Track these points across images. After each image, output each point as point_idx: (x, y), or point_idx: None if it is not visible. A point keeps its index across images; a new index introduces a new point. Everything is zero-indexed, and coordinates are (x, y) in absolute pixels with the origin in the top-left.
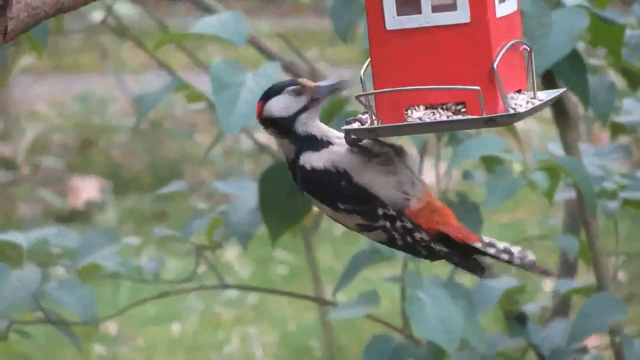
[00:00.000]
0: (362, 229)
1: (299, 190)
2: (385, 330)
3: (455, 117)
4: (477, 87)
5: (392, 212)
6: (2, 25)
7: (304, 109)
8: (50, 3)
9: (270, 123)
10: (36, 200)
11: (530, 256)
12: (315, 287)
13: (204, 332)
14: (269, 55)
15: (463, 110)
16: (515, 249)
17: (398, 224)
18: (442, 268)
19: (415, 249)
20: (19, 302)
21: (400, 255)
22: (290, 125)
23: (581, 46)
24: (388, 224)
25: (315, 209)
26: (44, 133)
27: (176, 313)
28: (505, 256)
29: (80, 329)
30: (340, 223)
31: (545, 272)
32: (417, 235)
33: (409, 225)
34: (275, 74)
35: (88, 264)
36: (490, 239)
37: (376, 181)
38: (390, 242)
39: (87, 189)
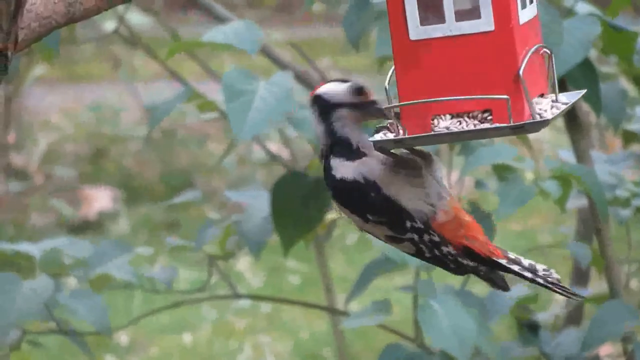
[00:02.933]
0: (391, 240)
1: (329, 193)
2: (397, 339)
3: (482, 126)
4: (506, 96)
5: (419, 225)
6: (14, 34)
7: (347, 105)
8: (61, 12)
9: (316, 100)
10: (49, 210)
11: (554, 274)
12: (327, 296)
13: (217, 341)
14: (281, 64)
15: (489, 117)
16: (540, 267)
17: (426, 237)
18: (454, 277)
19: (444, 262)
20: (31, 312)
21: (413, 264)
22: (328, 112)
23: (593, 54)
24: (416, 237)
25: (327, 217)
26: (56, 143)
27: (189, 322)
28: (529, 274)
29: (93, 339)
30: (370, 234)
31: (568, 292)
32: (445, 249)
33: (436, 238)
34: (287, 82)
35: (100, 274)
36: (516, 256)
37: (404, 193)
38: (419, 255)
39: (100, 198)
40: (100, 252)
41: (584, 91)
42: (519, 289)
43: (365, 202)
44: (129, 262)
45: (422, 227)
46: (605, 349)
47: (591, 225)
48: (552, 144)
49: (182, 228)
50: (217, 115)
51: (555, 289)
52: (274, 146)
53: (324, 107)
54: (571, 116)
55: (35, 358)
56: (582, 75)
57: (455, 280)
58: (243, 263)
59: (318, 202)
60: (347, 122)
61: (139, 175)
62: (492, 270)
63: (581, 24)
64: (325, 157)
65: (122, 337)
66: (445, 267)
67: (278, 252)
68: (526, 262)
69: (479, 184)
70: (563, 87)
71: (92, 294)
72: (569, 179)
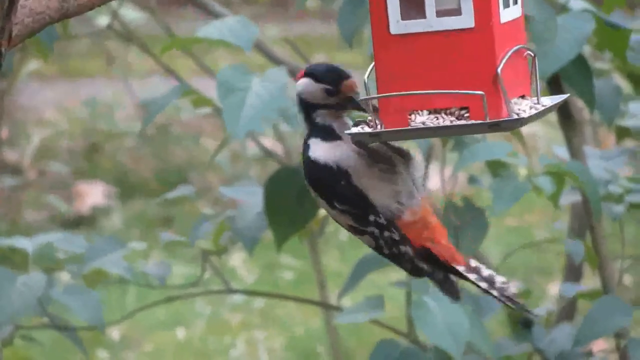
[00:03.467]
0: (353, 230)
1: (305, 176)
2: (391, 335)
3: (458, 122)
4: (481, 92)
5: (382, 221)
6: (7, 31)
7: (323, 107)
8: (55, 8)
9: (296, 93)
10: (42, 205)
11: (512, 289)
12: (321, 291)
13: (211, 337)
14: (276, 61)
15: (467, 115)
16: (499, 279)
17: (386, 233)
18: None
19: (400, 261)
20: (24, 307)
21: None
22: (309, 111)
23: (587, 50)
24: (377, 231)
25: (321, 213)
26: (50, 138)
27: (183, 318)
28: (484, 285)
29: (87, 335)
30: (335, 220)
31: (523, 309)
32: (402, 248)
33: (396, 237)
34: (281, 78)
35: (94, 269)
36: (478, 264)
37: (374, 187)
38: (378, 249)
39: (94, 194)
40: (94, 247)
41: (566, 96)
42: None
43: (333, 189)
44: (123, 258)
45: (385, 223)
46: (598, 345)
47: (585, 221)
48: (546, 140)
49: (176, 223)
50: (211, 111)
51: (507, 303)
52: (268, 142)
53: (302, 104)
54: (565, 112)
55: (29, 354)
56: (576, 71)
57: None
58: (236, 259)
59: (312, 198)
60: (326, 117)
61: (134, 171)
62: (447, 277)
63: (575, 21)
64: (305, 138)
65: (115, 333)
66: (402, 266)
67: (272, 248)
68: (487, 272)
69: (472, 180)
70: (557, 84)
71: (86, 290)
72: (562, 175)
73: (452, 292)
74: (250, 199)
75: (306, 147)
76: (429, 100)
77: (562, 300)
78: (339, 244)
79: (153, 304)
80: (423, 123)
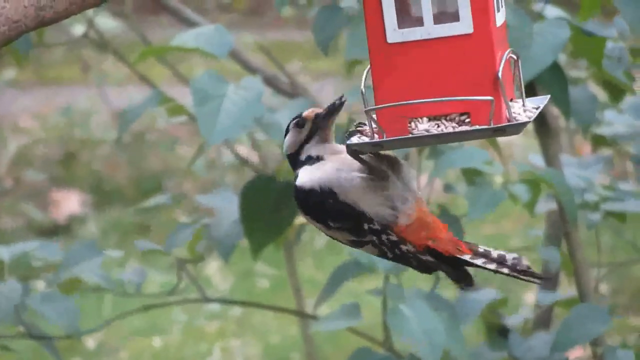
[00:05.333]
0: (354, 244)
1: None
2: (367, 342)
3: (462, 128)
4: (490, 97)
5: (376, 227)
6: None
7: (306, 140)
8: (32, 16)
9: (288, 158)
10: (18, 213)
11: (524, 262)
12: (297, 299)
13: (187, 344)
14: (251, 68)
15: (467, 120)
16: (510, 256)
17: (384, 237)
18: (424, 280)
19: (407, 260)
20: (0, 316)
21: (382, 267)
22: (297, 157)
23: (563, 58)
24: (375, 238)
25: (296, 221)
26: (26, 146)
27: (159, 326)
28: (492, 266)
29: (63, 343)
30: (337, 240)
31: (538, 277)
32: (403, 247)
33: (393, 237)
34: (256, 86)
35: (70, 278)
36: (485, 249)
37: (363, 198)
38: (382, 256)
39: (70, 202)
40: (70, 255)
41: (548, 96)
42: (488, 293)
43: (324, 210)
44: (99, 266)
45: (379, 228)
46: (575, 353)
47: (561, 229)
48: (523, 148)
49: (152, 231)
50: (187, 119)
51: (522, 276)
52: (244, 150)
53: (292, 161)
54: (541, 120)
55: None
56: (551, 79)
57: (425, 284)
58: (212, 267)
59: (287, 206)
60: (310, 148)
61: (110, 178)
62: (456, 267)
63: (551, 28)
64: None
65: (91, 341)
66: (410, 264)
67: (247, 256)
68: (495, 253)
69: (448, 188)
70: (532, 91)
71: (62, 297)
72: (538, 183)
73: (464, 280)
74: (226, 206)
75: (295, 178)
76: (429, 107)
77: (538, 308)
78: (315, 252)
79: (129, 312)
80: (426, 130)
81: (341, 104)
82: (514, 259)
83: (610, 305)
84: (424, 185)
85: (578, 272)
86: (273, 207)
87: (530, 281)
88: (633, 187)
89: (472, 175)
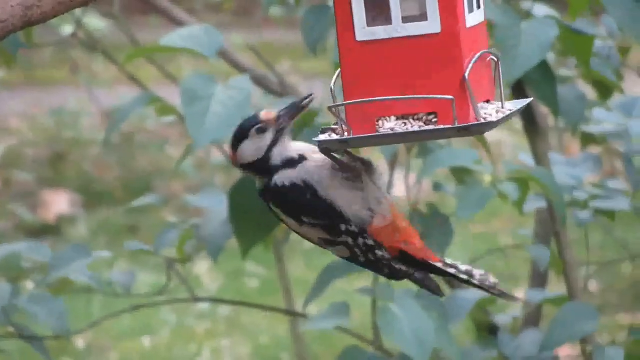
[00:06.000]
0: (326, 243)
1: (266, 203)
2: (356, 342)
3: (427, 127)
4: (451, 97)
5: (354, 229)
6: None
7: (273, 144)
8: (19, 16)
9: (247, 167)
10: (7, 214)
11: (491, 279)
12: (286, 299)
13: (177, 345)
14: (240, 68)
15: (434, 120)
16: (477, 272)
17: (360, 240)
18: None
19: (377, 267)
20: None
21: None
22: (267, 163)
23: (551, 57)
24: (350, 240)
25: None
26: (16, 147)
27: (149, 326)
28: (464, 276)
29: (52, 343)
30: (304, 237)
31: (505, 295)
32: (379, 253)
33: (370, 242)
34: (246, 86)
35: (60, 278)
36: (453, 262)
37: (341, 196)
38: (353, 258)
39: (59, 202)
40: (59, 256)
41: (530, 99)
42: (477, 292)
43: (300, 204)
44: (88, 266)
45: (357, 231)
46: (564, 351)
47: (550, 227)
48: (512, 147)
49: (141, 232)
50: (176, 119)
51: (491, 291)
52: None
53: (257, 168)
54: (530, 119)
55: None
56: (540, 77)
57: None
58: (201, 267)
59: None
60: (280, 151)
61: (99, 179)
62: (426, 275)
63: (539, 27)
64: (267, 184)
65: (80, 342)
66: (379, 272)
67: (237, 256)
68: (464, 267)
69: (437, 187)
70: (521, 90)
71: (52, 298)
72: (527, 182)
73: (434, 289)
74: (215, 207)
75: (268, 182)
76: (397, 106)
77: (528, 306)
78: (305, 252)
79: (119, 312)
80: (392, 129)
81: (303, 105)
82: (481, 275)
83: (599, 304)
84: (413, 184)
85: (567, 270)
86: (262, 207)
87: (499, 297)
88: (622, 185)
89: (461, 175)
